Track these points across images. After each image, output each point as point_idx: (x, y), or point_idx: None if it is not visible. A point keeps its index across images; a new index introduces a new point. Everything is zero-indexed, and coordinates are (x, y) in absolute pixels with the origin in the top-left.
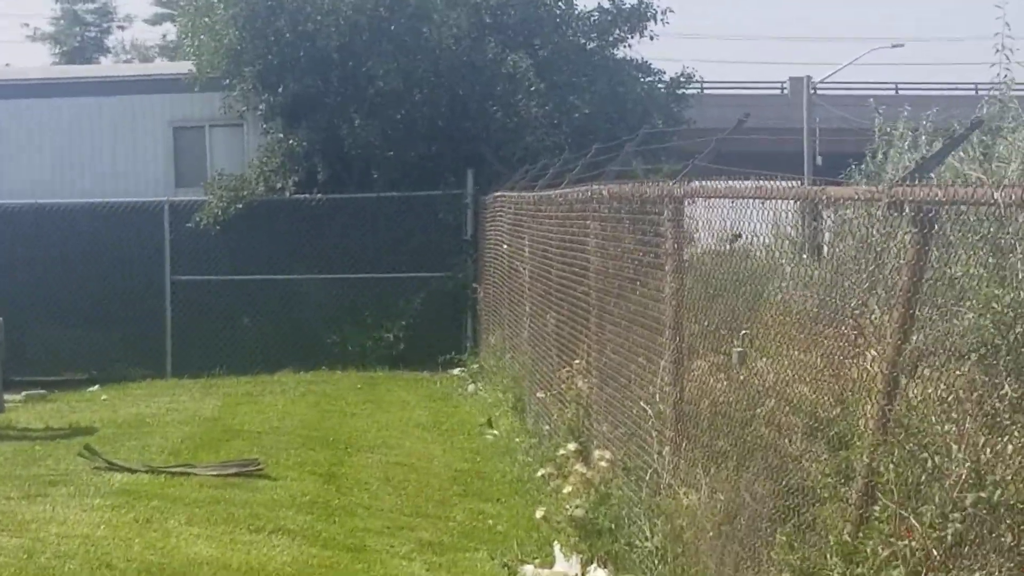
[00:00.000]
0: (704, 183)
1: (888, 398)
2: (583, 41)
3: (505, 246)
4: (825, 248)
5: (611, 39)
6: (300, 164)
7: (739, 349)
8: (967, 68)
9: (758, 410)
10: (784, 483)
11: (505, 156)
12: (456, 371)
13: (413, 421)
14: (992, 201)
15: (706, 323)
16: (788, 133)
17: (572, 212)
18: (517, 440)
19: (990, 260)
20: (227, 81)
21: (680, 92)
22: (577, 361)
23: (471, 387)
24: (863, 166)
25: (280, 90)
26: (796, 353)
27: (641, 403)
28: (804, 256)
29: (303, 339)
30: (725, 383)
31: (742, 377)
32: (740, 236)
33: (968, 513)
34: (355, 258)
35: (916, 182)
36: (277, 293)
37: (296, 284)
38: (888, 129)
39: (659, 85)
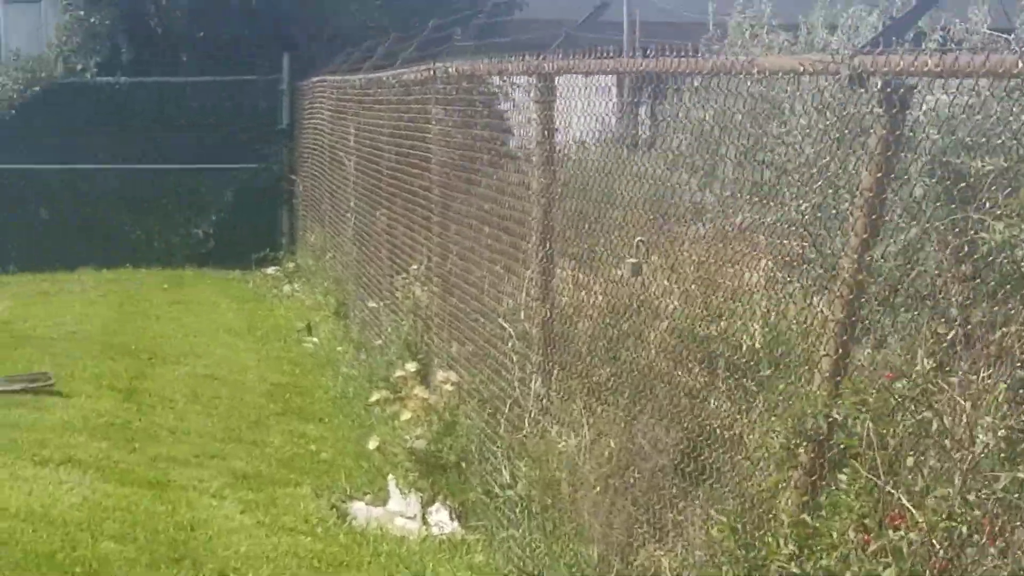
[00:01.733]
0: (581, 59)
1: (846, 331)
2: None
3: (327, 135)
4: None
5: None
6: (102, 44)
7: (633, 260)
8: None
9: (657, 333)
10: (698, 429)
11: (324, 38)
12: (271, 270)
13: (224, 325)
14: (1017, 71)
15: (585, 227)
16: (605, 27)
17: (409, 95)
18: (339, 349)
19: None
20: None
21: None
22: (415, 266)
23: (287, 288)
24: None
25: None
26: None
27: (500, 320)
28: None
29: (105, 234)
30: (612, 300)
31: (636, 292)
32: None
33: (997, 497)
34: (162, 147)
35: (886, 49)
36: (78, 184)
37: (98, 174)
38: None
39: None
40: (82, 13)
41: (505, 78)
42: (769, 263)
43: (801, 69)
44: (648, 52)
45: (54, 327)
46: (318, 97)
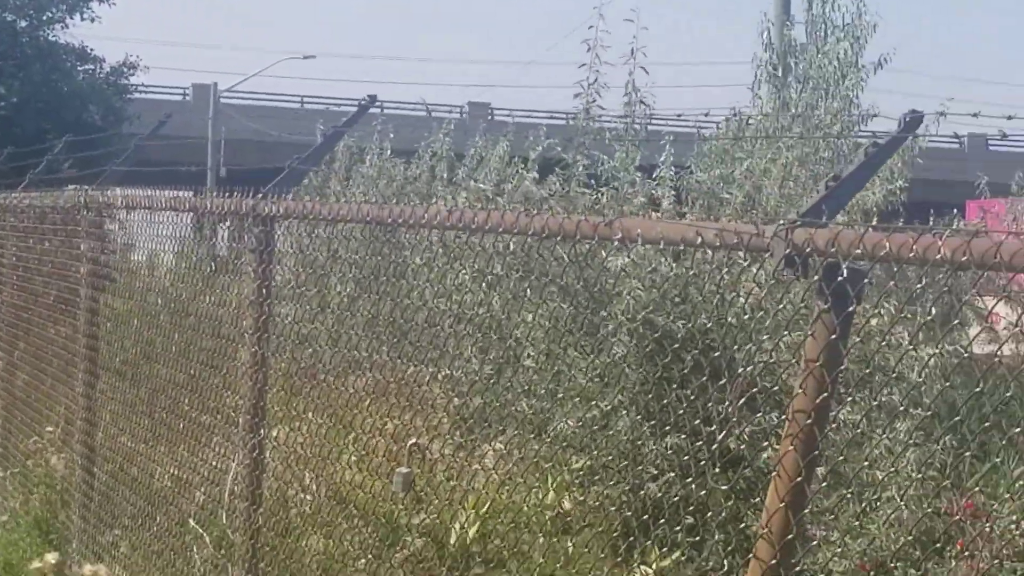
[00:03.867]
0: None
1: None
2: (12, 19)
3: None
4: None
5: (47, 18)
6: None
7: (405, 469)
8: (372, 85)
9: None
10: None
11: None
12: None
13: None
14: None
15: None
16: (193, 143)
17: (44, 223)
18: None
19: None
20: None
21: (123, 83)
22: (50, 428)
23: None
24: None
25: None
26: None
27: (190, 520)
28: None
29: None
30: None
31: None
32: None
33: None
34: None
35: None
36: None
37: None
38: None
39: (100, 74)
40: None
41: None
42: None
43: (699, 240)
44: None
45: None
46: None
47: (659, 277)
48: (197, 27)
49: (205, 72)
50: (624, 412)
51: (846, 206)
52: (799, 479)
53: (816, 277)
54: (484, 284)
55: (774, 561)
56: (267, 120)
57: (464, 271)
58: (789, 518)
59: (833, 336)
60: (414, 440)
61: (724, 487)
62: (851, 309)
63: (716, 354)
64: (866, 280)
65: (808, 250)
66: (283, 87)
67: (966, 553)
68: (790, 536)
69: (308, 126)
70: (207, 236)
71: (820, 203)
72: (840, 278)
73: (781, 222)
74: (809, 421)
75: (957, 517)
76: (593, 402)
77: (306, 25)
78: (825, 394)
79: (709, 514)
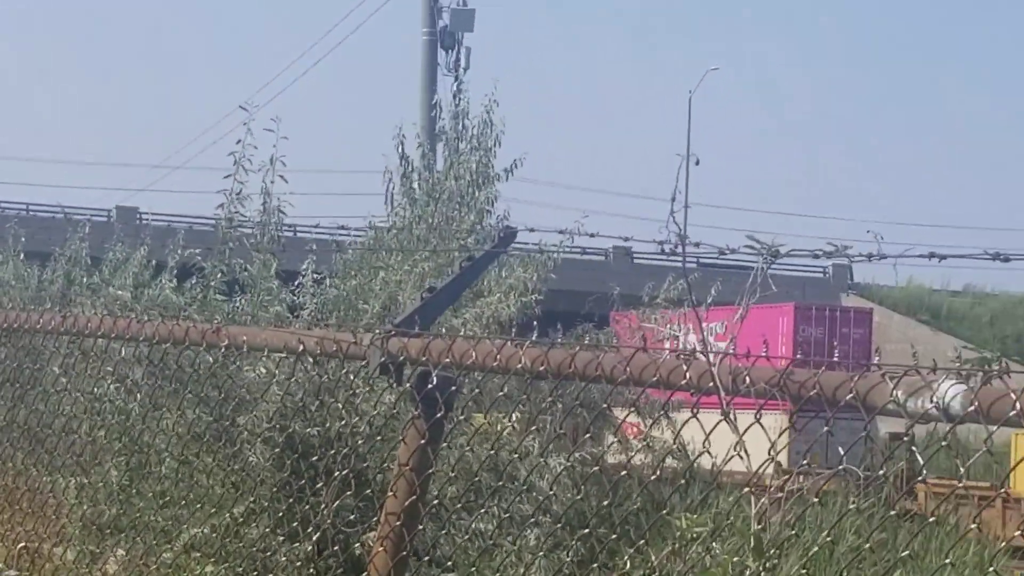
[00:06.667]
0: None
1: None
2: None
3: None
4: None
5: None
6: None
7: (13, 573)
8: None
9: None
10: None
11: None
12: None
13: None
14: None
15: None
16: None
17: None
18: None
19: None
20: None
21: None
22: None
23: None
24: None
25: None
26: None
27: None
28: None
29: None
30: None
31: None
32: None
33: None
34: None
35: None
36: None
37: None
38: None
39: None
40: None
41: None
42: None
43: (300, 348)
44: None
45: None
46: None
47: (294, 385)
48: None
49: None
50: (254, 521)
51: (481, 318)
52: None
53: (408, 384)
54: (122, 391)
55: None
56: None
57: (104, 379)
58: None
59: (423, 441)
60: (23, 544)
61: None
62: (439, 415)
63: (343, 471)
64: (454, 388)
65: (402, 358)
66: None
67: None
68: None
69: None
70: None
71: (414, 313)
72: (430, 385)
73: (377, 331)
74: (399, 523)
75: None
76: (224, 510)
77: None
78: (414, 497)
79: None
